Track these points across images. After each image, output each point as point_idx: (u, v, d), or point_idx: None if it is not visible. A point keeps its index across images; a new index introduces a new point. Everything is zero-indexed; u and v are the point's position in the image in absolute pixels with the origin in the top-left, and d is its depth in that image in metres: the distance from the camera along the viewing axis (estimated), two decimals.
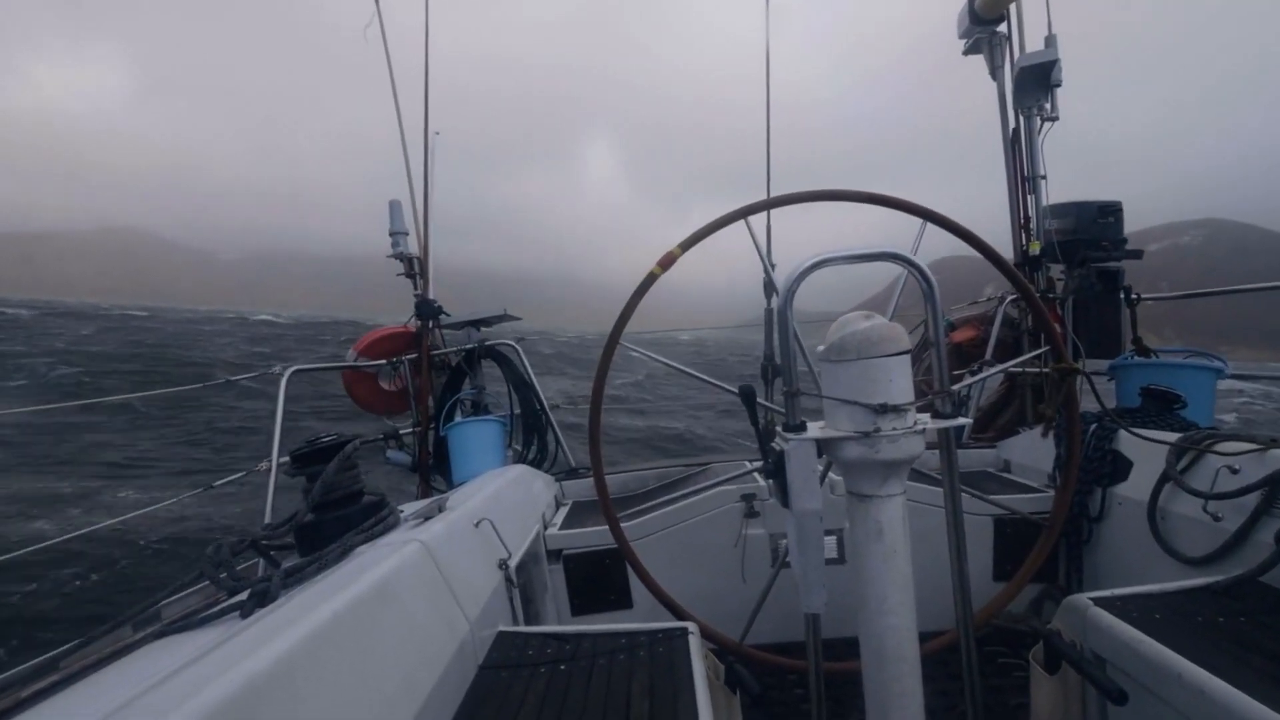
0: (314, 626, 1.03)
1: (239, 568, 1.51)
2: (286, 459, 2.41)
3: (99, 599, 4.83)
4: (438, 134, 3.38)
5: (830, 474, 2.03)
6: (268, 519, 2.20)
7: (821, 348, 1.23)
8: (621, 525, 1.85)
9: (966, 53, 3.35)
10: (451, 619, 1.41)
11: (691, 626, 1.54)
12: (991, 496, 2.26)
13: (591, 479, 2.94)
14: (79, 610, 4.64)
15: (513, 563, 1.83)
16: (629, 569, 2.37)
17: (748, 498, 2.40)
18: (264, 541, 1.59)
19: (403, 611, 1.26)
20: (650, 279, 1.68)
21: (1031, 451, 2.69)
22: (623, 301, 1.71)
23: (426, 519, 1.68)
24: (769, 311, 2.89)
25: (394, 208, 3.17)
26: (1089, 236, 3.04)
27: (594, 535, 2.39)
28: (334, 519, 1.62)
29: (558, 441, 3.11)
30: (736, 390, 1.32)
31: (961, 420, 1.27)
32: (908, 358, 1.15)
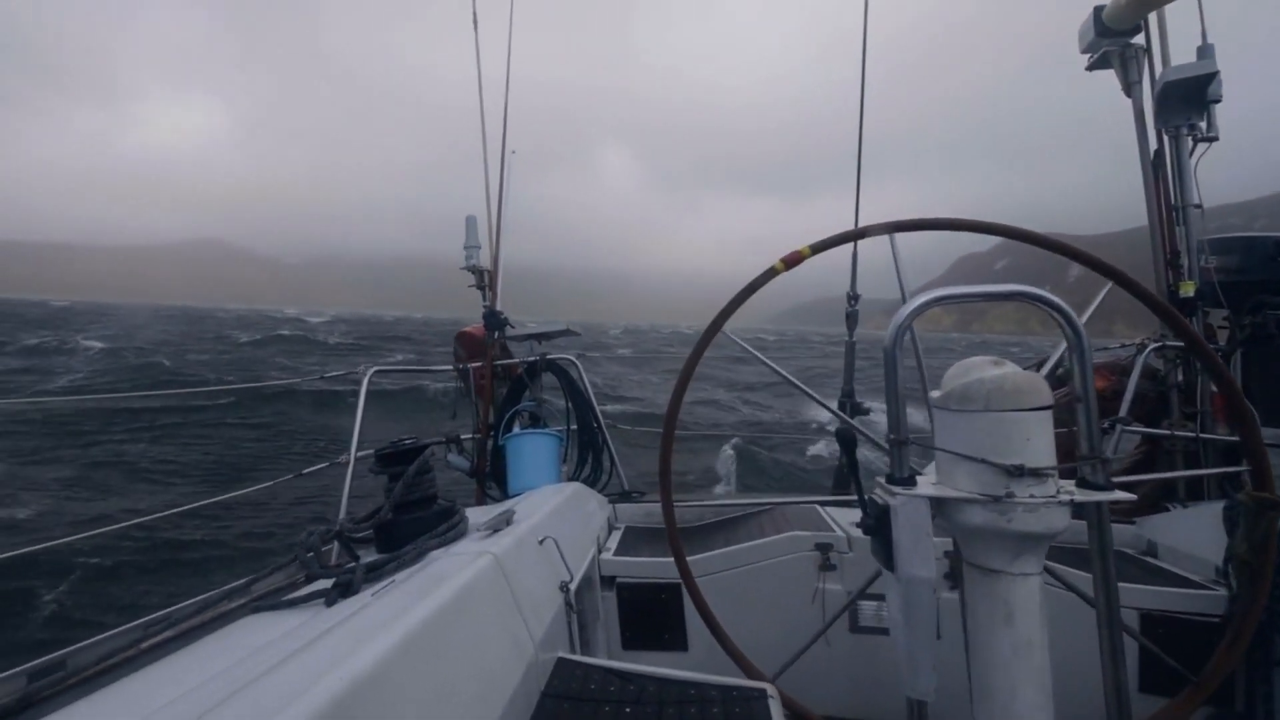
0: (406, 632, 1.04)
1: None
2: (364, 454, 2.52)
3: (196, 567, 5.24)
4: (514, 153, 3.52)
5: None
6: (343, 510, 2.30)
7: (936, 393, 1.13)
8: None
9: (1091, 68, 2.95)
10: (519, 639, 1.40)
11: (770, 690, 1.41)
12: (1143, 587, 1.97)
13: (647, 505, 2.97)
14: (177, 573, 5.11)
15: (573, 586, 1.79)
16: (686, 608, 2.27)
17: (823, 548, 2.21)
18: (348, 533, 1.67)
19: (476, 625, 1.27)
20: (770, 274, 1.53)
21: (1186, 535, 2.27)
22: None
23: (495, 531, 1.71)
24: (850, 345, 2.85)
25: (470, 223, 3.30)
26: (1261, 277, 2.60)
27: (650, 566, 2.30)
28: (410, 520, 1.67)
29: (613, 462, 3.13)
30: (835, 431, 1.23)
31: (1121, 495, 1.06)
32: (1049, 415, 1.02)
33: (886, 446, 1.15)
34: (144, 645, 1.45)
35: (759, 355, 1.72)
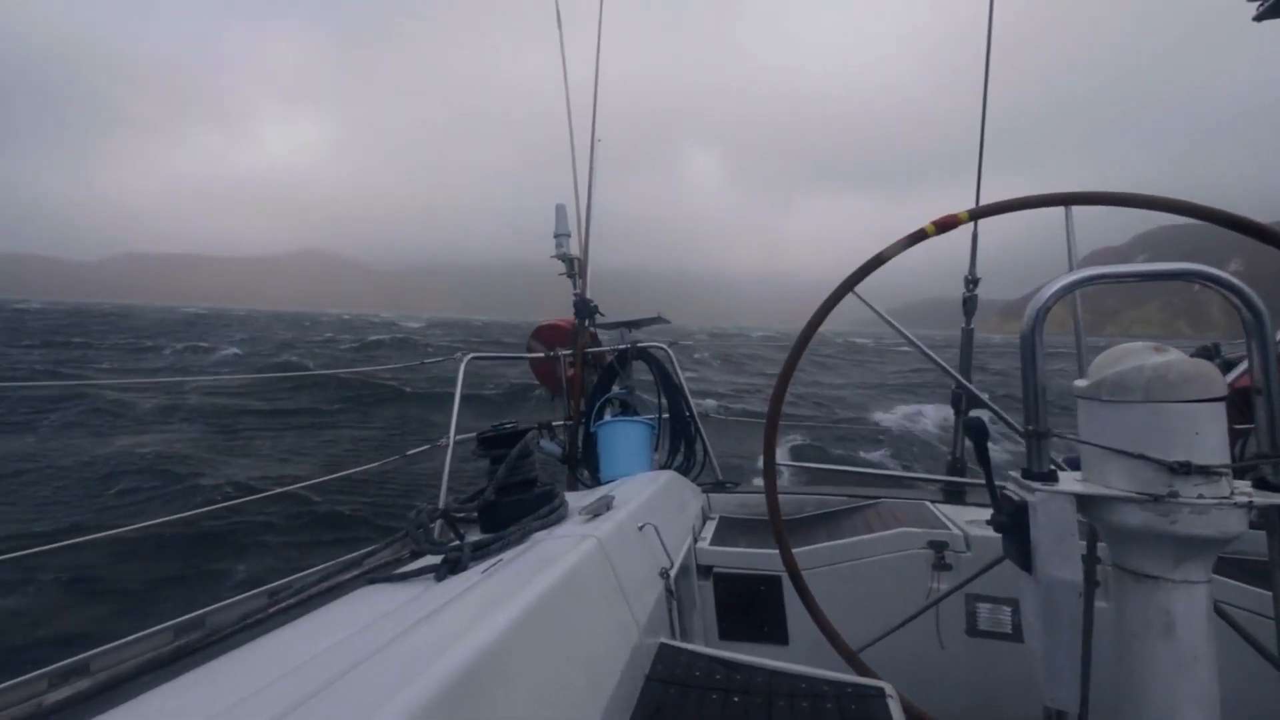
0: (522, 609, 1.04)
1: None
2: (463, 438, 2.61)
3: (308, 537, 5.82)
4: (600, 140, 3.52)
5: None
6: (444, 491, 2.38)
7: (1083, 382, 1.04)
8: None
9: (1261, 17, 2.56)
10: (623, 622, 1.39)
11: (889, 689, 1.35)
12: None
13: (742, 495, 2.90)
14: (292, 539, 5.74)
15: (673, 573, 1.78)
16: (787, 601, 2.22)
17: (937, 546, 2.11)
18: (453, 513, 1.72)
19: (583, 606, 1.27)
20: (917, 237, 1.41)
21: None
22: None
23: (595, 515, 1.71)
24: (966, 331, 2.64)
25: (559, 211, 3.32)
26: None
27: (749, 557, 2.26)
28: (513, 502, 1.70)
29: (706, 451, 3.05)
30: (964, 420, 1.18)
31: None
32: (1222, 408, 0.92)
33: (1022, 438, 1.06)
34: (271, 610, 1.56)
35: (888, 319, 1.61)
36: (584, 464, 3.07)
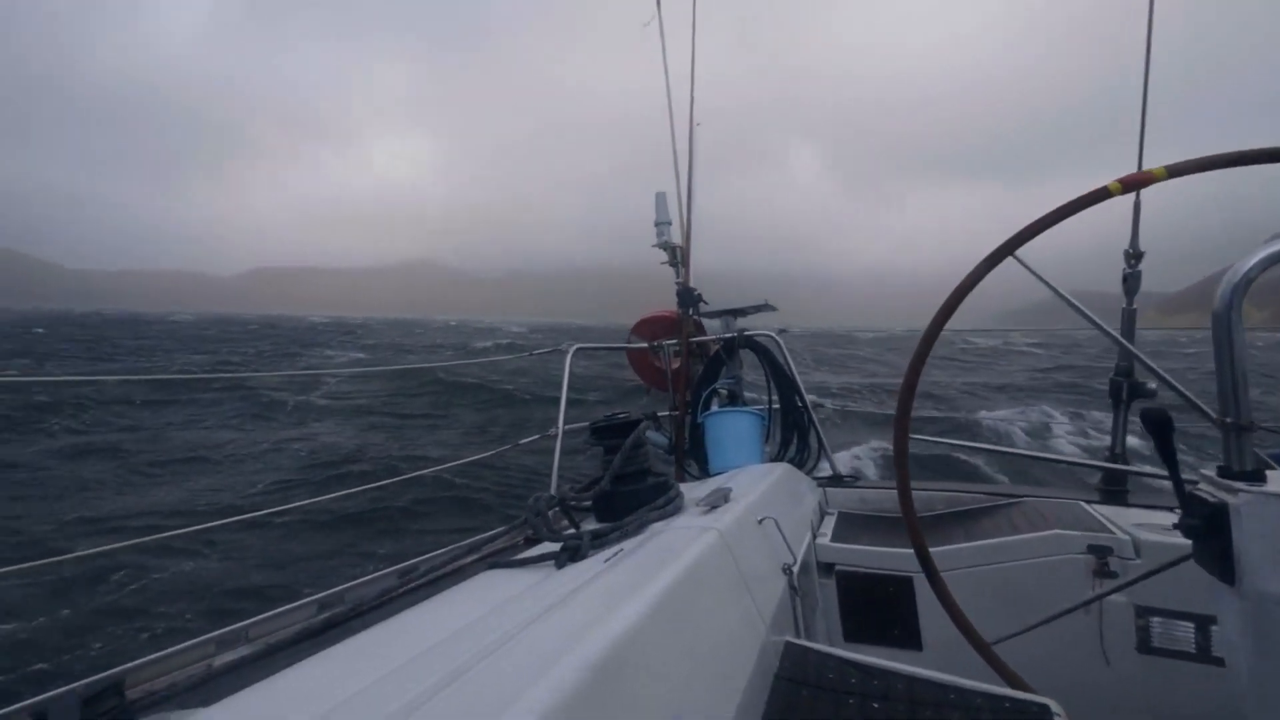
0: (652, 600, 1.02)
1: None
2: (571, 427, 2.65)
3: (428, 522, 6.26)
4: (699, 124, 3.43)
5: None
6: (554, 479, 2.42)
7: None
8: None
9: None
10: (749, 617, 1.33)
11: (1054, 706, 1.23)
12: None
13: (862, 490, 2.73)
14: (415, 524, 6.19)
15: (795, 568, 1.71)
16: (920, 603, 2.06)
17: (1099, 550, 1.90)
18: (569, 501, 1.72)
19: (710, 600, 1.22)
20: (1098, 196, 1.21)
21: None
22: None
23: (714, 507, 1.64)
24: (1128, 312, 2.31)
25: (659, 199, 3.27)
26: None
27: (877, 555, 2.12)
28: (628, 491, 1.69)
29: (821, 443, 2.88)
30: (1141, 412, 1.01)
31: None
32: None
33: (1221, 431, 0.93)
34: (401, 590, 1.64)
35: (1049, 283, 1.40)
36: (691, 455, 3.00)
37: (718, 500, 1.67)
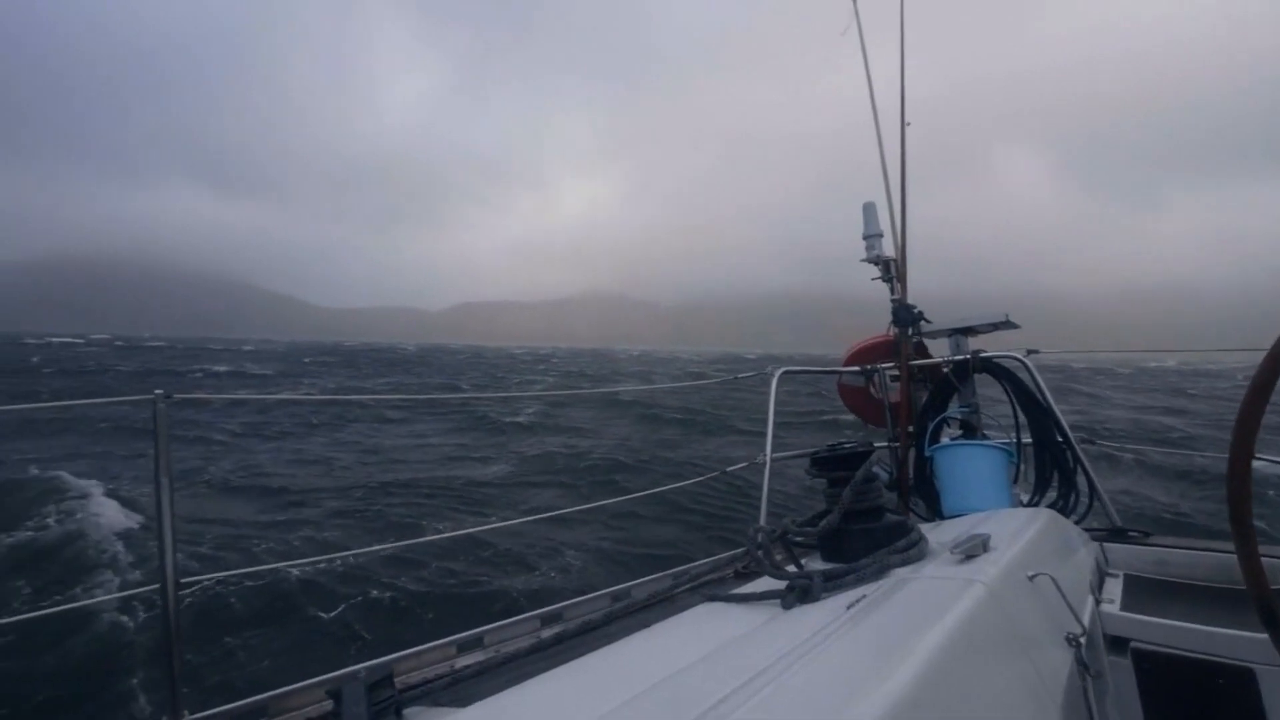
0: (923, 664, 0.86)
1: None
2: (779, 456, 2.50)
3: (631, 548, 6.25)
4: (909, 124, 3.10)
5: None
6: (763, 510, 2.28)
7: None
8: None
9: None
10: (1035, 696, 1.07)
11: None
12: None
13: (1157, 548, 2.16)
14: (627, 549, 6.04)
15: (1083, 640, 1.37)
16: (1267, 707, 1.57)
17: None
18: (793, 536, 1.58)
19: (984, 669, 1.01)
20: None
21: None
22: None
23: (969, 556, 1.38)
24: None
25: (868, 210, 3.01)
26: None
27: (1191, 635, 1.67)
28: (860, 530, 1.51)
29: (1093, 487, 2.35)
30: None
31: None
32: None
33: None
34: (615, 612, 1.63)
35: None
36: (917, 493, 2.64)
37: (974, 548, 1.41)
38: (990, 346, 2.72)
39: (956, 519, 2.11)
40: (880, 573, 1.36)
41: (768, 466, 2.40)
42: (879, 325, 3.20)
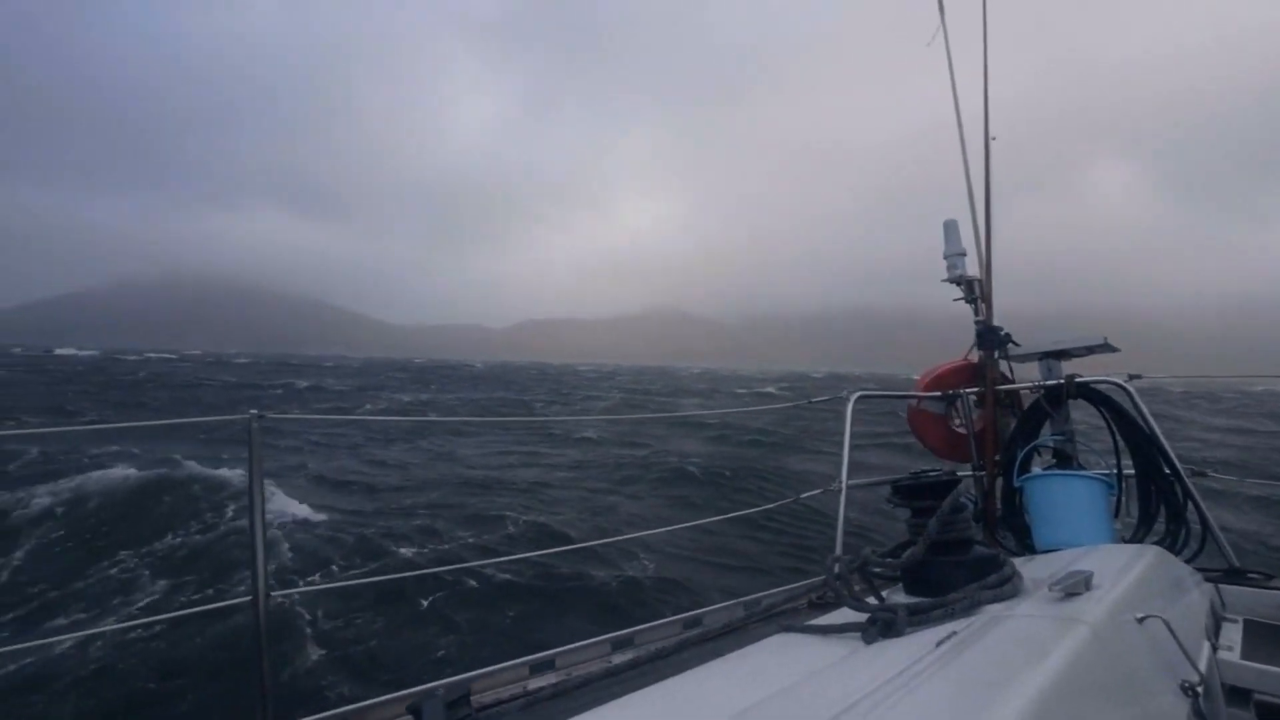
0: (1025, 709, 0.81)
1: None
2: (855, 484, 2.42)
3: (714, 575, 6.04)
4: (994, 139, 2.98)
5: None
6: (839, 539, 2.20)
7: None
8: None
9: None
10: None
11: None
12: None
13: (1276, 593, 1.96)
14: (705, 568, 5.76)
15: (1200, 690, 1.25)
16: None
17: None
18: (872, 567, 1.52)
19: (1091, 717, 0.94)
20: None
21: None
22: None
23: (1070, 595, 1.28)
24: None
25: (949, 228, 2.89)
26: None
27: None
28: (947, 563, 1.43)
29: (1206, 524, 2.16)
30: None
31: None
32: None
33: None
34: (691, 640, 1.60)
35: None
36: (1005, 525, 2.48)
37: (1075, 586, 1.31)
38: (1085, 371, 2.54)
39: (1051, 554, 1.97)
40: (971, 609, 1.28)
41: (844, 494, 2.31)
42: (947, 342, 3.04)
